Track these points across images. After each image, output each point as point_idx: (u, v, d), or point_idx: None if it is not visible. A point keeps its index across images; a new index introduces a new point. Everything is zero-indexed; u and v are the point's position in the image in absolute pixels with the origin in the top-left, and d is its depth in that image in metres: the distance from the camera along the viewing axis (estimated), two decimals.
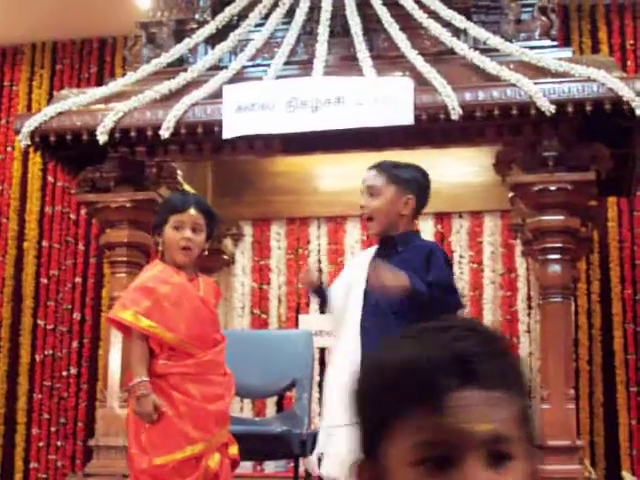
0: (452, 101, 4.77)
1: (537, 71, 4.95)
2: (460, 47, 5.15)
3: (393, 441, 1.04)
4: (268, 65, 5.37)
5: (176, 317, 3.53)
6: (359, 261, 3.66)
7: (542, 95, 4.73)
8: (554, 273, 5.00)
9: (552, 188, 4.92)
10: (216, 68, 5.42)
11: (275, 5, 5.58)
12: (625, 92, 4.67)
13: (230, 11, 5.63)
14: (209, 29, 5.58)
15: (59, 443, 7.28)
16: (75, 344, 7.37)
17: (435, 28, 5.25)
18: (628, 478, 6.10)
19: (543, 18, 5.36)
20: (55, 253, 7.57)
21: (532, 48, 5.15)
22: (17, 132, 5.35)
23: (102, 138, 5.11)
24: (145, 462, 3.47)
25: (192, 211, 3.64)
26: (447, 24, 5.29)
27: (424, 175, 3.55)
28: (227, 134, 5.05)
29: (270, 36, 5.53)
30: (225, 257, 6.78)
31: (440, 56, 5.24)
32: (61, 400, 7.34)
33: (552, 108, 4.70)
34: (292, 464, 5.10)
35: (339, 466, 3.37)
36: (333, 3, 5.43)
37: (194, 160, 5.79)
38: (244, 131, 5.04)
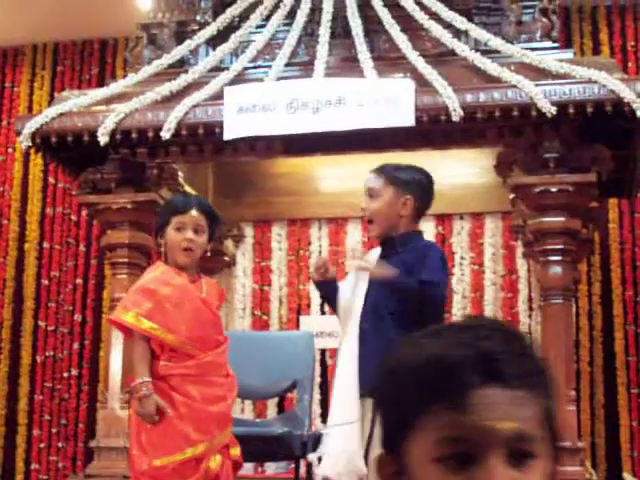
0: (453, 102, 4.77)
1: (538, 72, 4.95)
2: (461, 48, 5.15)
3: (416, 437, 1.05)
4: (269, 66, 5.37)
5: (177, 318, 3.53)
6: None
7: (543, 96, 4.73)
8: (555, 274, 5.00)
9: (553, 189, 4.92)
10: (217, 69, 5.42)
11: (276, 6, 5.58)
12: (626, 93, 4.66)
13: (231, 12, 5.64)
14: (210, 30, 5.58)
15: (60, 444, 7.28)
16: (76, 345, 7.37)
17: (436, 29, 5.25)
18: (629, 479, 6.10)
19: (544, 20, 5.37)
20: (56, 254, 7.57)
21: (533, 49, 5.15)
22: (18, 133, 5.35)
23: (103, 139, 5.11)
24: (145, 463, 3.47)
25: (194, 212, 3.65)
26: (448, 25, 5.29)
27: (426, 176, 3.56)
28: (228, 135, 5.05)
29: (271, 37, 5.53)
30: (226, 258, 6.78)
31: (441, 57, 5.24)
32: (62, 401, 7.34)
33: (553, 109, 4.70)
34: (293, 465, 5.10)
35: (334, 465, 3.38)
36: (334, 4, 5.43)
37: (195, 161, 5.79)
38: (245, 132, 5.04)
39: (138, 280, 3.83)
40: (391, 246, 3.48)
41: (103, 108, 5.31)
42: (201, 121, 5.11)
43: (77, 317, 7.41)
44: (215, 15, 5.68)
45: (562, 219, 4.97)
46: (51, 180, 7.69)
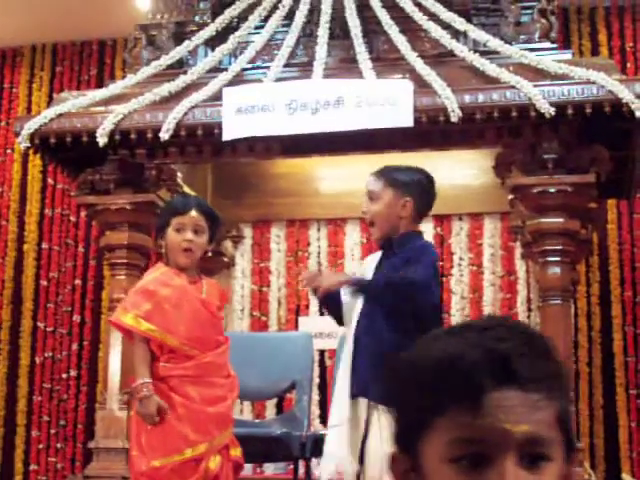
0: (452, 103, 4.77)
1: (537, 73, 4.95)
2: (460, 49, 5.15)
3: (430, 437, 1.06)
4: (268, 67, 5.37)
5: (176, 319, 3.54)
6: (367, 266, 3.66)
7: (542, 97, 4.73)
8: (554, 275, 5.00)
9: (552, 190, 4.92)
10: (216, 70, 5.42)
11: (275, 7, 5.58)
12: (625, 94, 4.67)
13: (230, 13, 5.64)
14: (209, 31, 5.58)
15: (59, 445, 7.28)
16: (75, 346, 7.37)
17: (435, 30, 5.25)
18: None
19: (543, 20, 5.37)
20: (55, 255, 7.57)
21: (532, 50, 5.15)
22: (17, 134, 5.35)
23: (102, 140, 5.11)
24: (144, 464, 3.48)
25: (193, 213, 3.66)
26: (447, 26, 5.29)
27: (426, 177, 3.56)
28: (227, 136, 5.05)
29: (270, 38, 5.53)
30: (225, 259, 6.78)
31: (440, 58, 5.24)
32: (61, 402, 7.34)
33: (552, 110, 4.70)
34: (292, 466, 5.10)
35: (329, 465, 3.39)
36: (333, 5, 5.43)
37: (194, 162, 5.79)
38: (244, 133, 5.04)
39: (139, 281, 3.84)
40: (390, 247, 3.48)
41: (102, 109, 5.31)
42: (200, 122, 5.11)
43: (76, 318, 7.41)
44: (214, 16, 5.68)
45: (561, 220, 4.97)
46: (50, 181, 7.68)
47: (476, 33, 5.24)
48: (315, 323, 6.68)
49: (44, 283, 7.54)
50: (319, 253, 6.99)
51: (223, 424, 3.57)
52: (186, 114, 5.11)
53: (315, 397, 6.49)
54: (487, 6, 5.48)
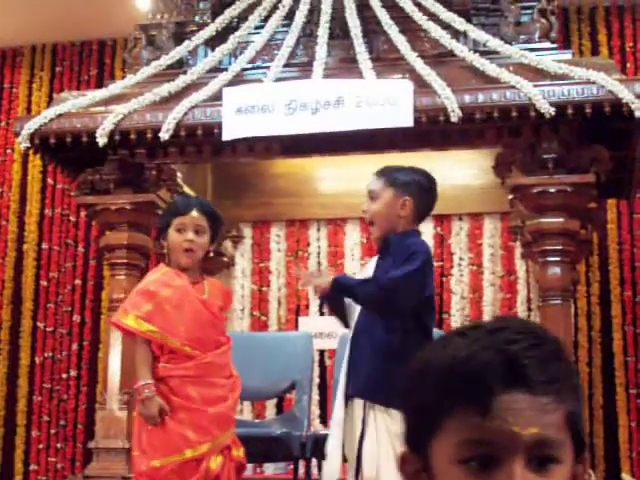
0: (452, 103, 4.77)
1: (537, 73, 4.95)
2: (460, 49, 5.15)
3: (440, 438, 1.06)
4: (268, 67, 5.37)
5: (176, 320, 3.54)
6: (369, 266, 3.67)
7: (542, 97, 4.73)
8: (554, 275, 5.00)
9: (552, 190, 4.92)
10: (216, 70, 5.42)
11: (275, 7, 5.58)
12: (625, 94, 4.67)
13: (230, 13, 5.64)
14: (209, 31, 5.58)
15: (59, 445, 7.28)
16: (75, 346, 7.37)
17: (435, 30, 5.25)
18: None
19: (543, 20, 5.37)
20: (55, 255, 7.57)
21: (532, 50, 5.15)
22: (17, 134, 5.35)
23: (102, 140, 5.11)
24: (144, 464, 3.48)
25: (194, 213, 3.66)
26: (447, 26, 5.29)
27: (427, 178, 3.56)
28: (227, 136, 5.05)
29: (270, 38, 5.53)
30: (225, 259, 6.78)
31: (440, 58, 5.24)
32: (61, 402, 7.34)
33: (552, 110, 4.70)
34: (292, 466, 5.10)
35: (327, 465, 3.40)
36: (333, 5, 5.43)
37: (194, 162, 5.79)
38: (244, 133, 5.04)
39: (138, 281, 3.85)
40: (386, 247, 3.48)
41: (102, 109, 5.31)
42: (200, 122, 5.11)
43: (76, 318, 7.41)
44: (214, 16, 5.68)
45: (561, 220, 4.97)
46: (50, 181, 7.68)
47: (476, 33, 5.24)
48: (315, 323, 6.68)
49: (44, 283, 7.54)
50: (319, 253, 6.99)
51: (224, 424, 3.57)
52: (186, 114, 5.11)
53: (315, 397, 6.49)
54: (487, 6, 5.48)
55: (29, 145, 5.30)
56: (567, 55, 5.42)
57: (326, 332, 6.51)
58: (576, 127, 4.95)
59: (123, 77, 5.89)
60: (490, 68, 4.96)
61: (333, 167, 6.42)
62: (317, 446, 3.73)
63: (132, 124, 5.17)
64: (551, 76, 4.91)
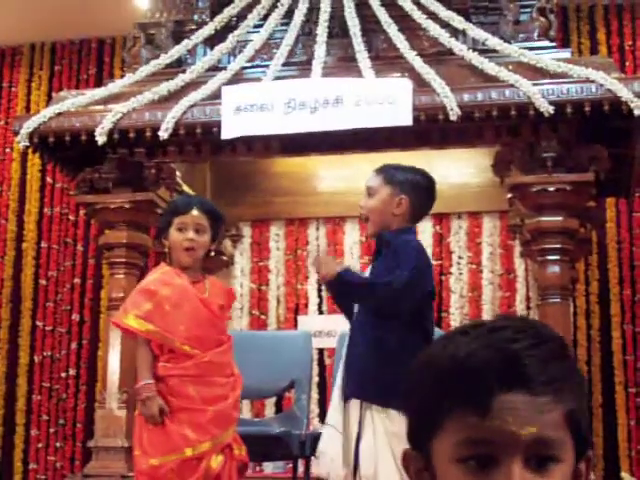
0: (451, 102, 4.77)
1: (536, 72, 4.95)
2: (459, 48, 5.15)
3: (440, 437, 1.07)
4: (267, 66, 5.37)
5: (176, 319, 3.54)
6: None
7: (541, 96, 4.73)
8: (553, 274, 5.00)
9: (551, 189, 4.92)
10: (215, 69, 5.43)
11: (274, 6, 5.58)
12: (624, 93, 4.67)
13: (229, 12, 5.64)
14: (208, 30, 5.58)
15: (58, 444, 7.28)
16: (74, 345, 7.37)
17: (434, 29, 5.25)
18: (627, 479, 6.10)
19: (542, 19, 5.37)
20: (54, 254, 7.57)
21: (531, 49, 5.15)
22: (16, 133, 5.35)
23: (101, 139, 5.11)
24: (144, 463, 3.49)
25: (195, 212, 3.67)
26: (446, 25, 5.29)
27: (425, 178, 3.55)
28: (226, 135, 5.05)
29: (269, 37, 5.53)
30: (224, 258, 6.77)
31: (439, 57, 5.24)
32: (60, 401, 7.34)
33: (551, 109, 4.70)
34: (291, 465, 5.11)
35: (322, 464, 3.41)
36: (332, 4, 5.43)
37: (193, 161, 5.79)
38: (243, 132, 5.04)
39: (137, 280, 3.85)
40: (380, 245, 3.49)
41: (101, 108, 5.31)
42: (199, 121, 5.11)
43: (75, 317, 7.41)
44: (212, 15, 5.68)
45: (560, 218, 4.97)
46: (49, 180, 7.68)
47: (475, 32, 5.24)
48: (314, 322, 6.69)
49: (43, 282, 7.54)
50: (318, 252, 6.99)
51: (224, 423, 3.57)
52: (185, 113, 5.11)
53: (314, 396, 6.50)
54: (486, 4, 5.48)
55: (28, 144, 5.29)
56: (566, 54, 5.42)
57: (325, 331, 6.52)
58: (575, 126, 4.95)
59: (122, 76, 5.88)
60: (489, 67, 4.96)
61: (332, 166, 6.43)
62: (316, 445, 3.73)
63: (131, 123, 5.17)
64: (550, 75, 4.91)
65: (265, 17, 5.58)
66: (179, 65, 5.58)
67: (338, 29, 5.42)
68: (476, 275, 6.76)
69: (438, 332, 3.69)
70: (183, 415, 3.50)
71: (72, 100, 5.35)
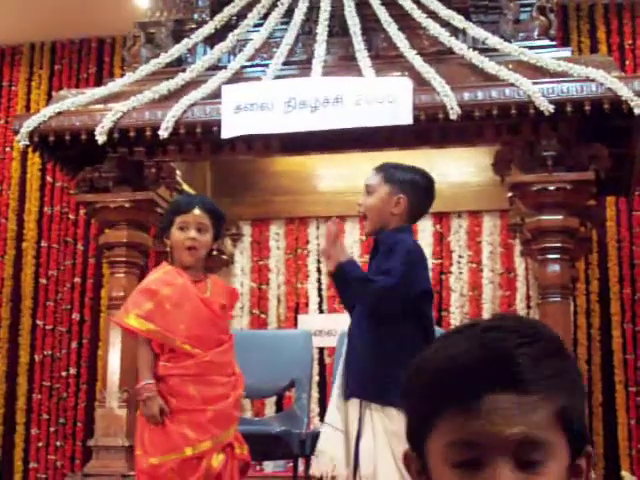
0: (451, 101, 4.77)
1: (536, 71, 4.95)
2: (459, 47, 5.15)
3: (433, 438, 1.07)
4: (267, 65, 5.37)
5: (176, 318, 3.55)
6: None
7: (541, 95, 4.73)
8: (553, 273, 5.00)
9: (551, 188, 4.92)
10: (215, 68, 5.43)
11: (274, 5, 5.58)
12: (624, 92, 4.67)
13: (229, 11, 5.63)
14: (208, 29, 5.58)
15: (58, 443, 7.28)
16: (74, 344, 7.37)
17: (434, 28, 5.25)
18: (627, 478, 6.10)
19: (542, 18, 5.36)
20: (54, 253, 7.57)
21: (531, 48, 5.15)
22: (16, 132, 5.35)
23: (101, 138, 5.11)
24: (145, 462, 3.49)
25: (196, 211, 3.67)
26: (446, 24, 5.29)
27: (424, 177, 3.55)
28: (226, 134, 5.05)
29: (269, 36, 5.53)
30: (224, 257, 6.78)
31: (439, 56, 5.24)
32: (60, 400, 7.34)
33: (551, 108, 4.70)
34: (291, 464, 5.11)
35: (321, 463, 3.41)
36: (332, 3, 5.43)
37: (193, 160, 5.79)
38: (243, 131, 5.04)
39: (138, 279, 3.86)
40: (377, 243, 3.50)
41: (101, 107, 5.31)
42: (199, 120, 5.11)
43: (75, 316, 7.41)
44: (212, 14, 5.68)
45: (560, 217, 4.97)
46: (49, 179, 7.68)
47: (475, 30, 5.24)
48: (314, 321, 6.69)
49: (43, 281, 7.54)
50: (318, 251, 6.99)
51: (225, 422, 3.57)
52: (185, 112, 5.11)
53: (314, 395, 6.50)
54: (486, 3, 5.47)
55: (28, 143, 5.30)
56: (566, 52, 5.42)
57: (326, 330, 6.52)
58: (575, 124, 4.95)
59: (122, 75, 5.88)
60: (489, 66, 4.96)
61: (332, 165, 6.42)
62: (316, 444, 3.72)
63: (131, 122, 5.17)
64: (550, 74, 4.91)
65: (265, 16, 5.58)
66: (179, 64, 5.58)
67: (338, 28, 5.42)
68: (476, 274, 6.76)
69: (438, 331, 3.69)
70: (183, 416, 3.50)
71: (72, 99, 5.35)
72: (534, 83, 4.79)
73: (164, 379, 3.54)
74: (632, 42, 7.13)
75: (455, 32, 5.28)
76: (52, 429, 7.31)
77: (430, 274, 6.34)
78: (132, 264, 5.44)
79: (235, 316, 6.88)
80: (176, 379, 3.53)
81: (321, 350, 6.72)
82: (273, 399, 6.60)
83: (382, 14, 5.33)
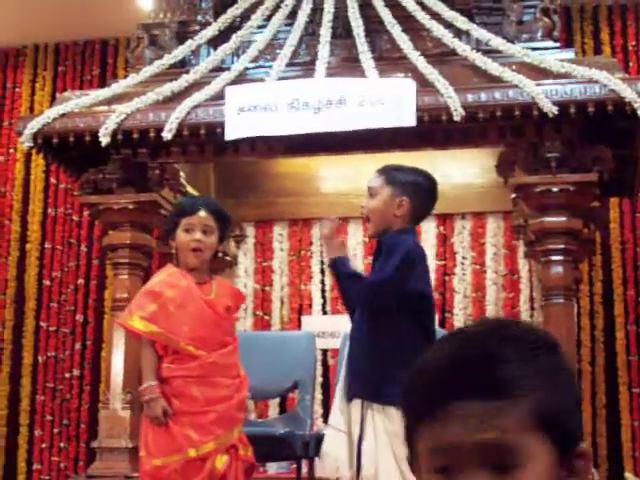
0: (454, 102, 4.77)
1: (539, 72, 4.95)
2: (462, 48, 5.15)
3: (418, 442, 1.08)
4: (270, 66, 5.37)
5: (180, 320, 3.55)
6: None
7: (544, 96, 4.73)
8: (556, 274, 4.99)
9: (554, 189, 4.92)
10: (218, 69, 5.43)
11: (277, 6, 5.58)
12: (627, 93, 4.66)
13: (232, 12, 5.64)
14: (211, 30, 5.59)
15: (62, 445, 7.28)
16: (78, 346, 7.37)
17: (437, 29, 5.25)
18: (631, 479, 6.09)
19: (545, 19, 5.36)
20: (58, 255, 7.58)
21: (534, 49, 5.15)
22: (20, 134, 5.35)
23: (105, 140, 5.11)
24: (148, 463, 3.50)
25: (202, 213, 3.67)
26: (449, 25, 5.29)
27: (427, 179, 3.55)
28: (229, 135, 5.05)
29: (272, 37, 5.53)
30: (228, 258, 6.78)
31: (442, 57, 5.24)
32: (64, 402, 7.34)
33: (554, 109, 4.70)
34: (295, 465, 5.11)
35: (326, 465, 3.42)
36: (335, 4, 5.43)
37: (196, 162, 5.79)
38: (246, 132, 5.04)
39: (141, 281, 3.87)
40: (379, 247, 3.50)
41: (104, 108, 5.31)
42: (202, 121, 5.11)
43: (79, 317, 7.42)
44: (216, 15, 5.68)
45: (563, 219, 4.96)
46: (53, 180, 7.69)
47: (478, 32, 5.24)
48: (318, 322, 6.69)
49: (47, 283, 7.54)
50: (322, 252, 6.98)
51: (228, 424, 3.57)
52: (189, 113, 5.11)
53: (318, 396, 6.49)
54: (489, 5, 5.48)
55: (32, 145, 5.30)
56: (570, 54, 5.41)
57: (329, 331, 6.52)
58: (579, 126, 4.94)
59: (126, 77, 5.88)
60: (493, 67, 4.96)
61: (336, 166, 6.43)
62: (320, 445, 3.73)
63: (135, 124, 5.17)
64: (554, 75, 4.91)
65: (269, 17, 5.58)
66: (183, 66, 5.58)
67: (342, 29, 5.43)
68: (480, 275, 6.76)
69: (440, 332, 3.69)
70: (186, 417, 3.51)
71: (76, 101, 5.36)
72: (537, 85, 4.79)
73: (168, 381, 3.54)
74: (636, 43, 7.13)
75: (458, 33, 5.28)
76: (56, 430, 7.31)
77: (433, 275, 6.43)
78: (135, 265, 5.44)
79: (238, 317, 6.88)
80: (180, 380, 3.54)
81: (324, 351, 6.71)
82: (276, 400, 6.60)
83: (385, 15, 5.33)
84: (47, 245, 7.60)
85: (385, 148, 5.19)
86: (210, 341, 3.59)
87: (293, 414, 5.08)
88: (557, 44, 5.39)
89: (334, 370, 6.30)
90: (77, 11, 7.27)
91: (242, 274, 7.02)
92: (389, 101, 4.86)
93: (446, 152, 5.70)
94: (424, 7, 5.34)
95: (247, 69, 5.45)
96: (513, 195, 5.31)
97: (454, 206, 6.45)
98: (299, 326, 6.85)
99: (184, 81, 5.34)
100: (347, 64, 5.34)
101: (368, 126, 4.88)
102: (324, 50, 5.26)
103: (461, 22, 5.27)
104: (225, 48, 5.50)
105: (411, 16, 5.32)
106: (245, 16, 5.63)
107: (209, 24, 5.65)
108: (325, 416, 6.49)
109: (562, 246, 4.97)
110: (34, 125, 5.23)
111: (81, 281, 7.48)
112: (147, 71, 5.50)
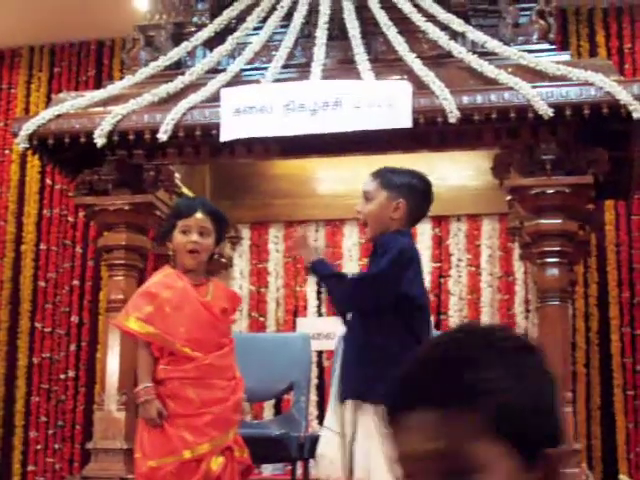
0: (450, 104, 4.78)
1: (535, 74, 4.95)
2: (458, 50, 5.15)
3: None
4: (266, 68, 5.37)
5: (176, 321, 3.55)
6: None
7: (540, 98, 4.73)
8: (552, 276, 5.00)
9: (550, 191, 4.92)
10: (214, 71, 5.42)
11: (273, 8, 5.58)
12: (623, 96, 4.67)
13: (228, 14, 5.64)
14: (207, 32, 5.58)
15: (57, 446, 7.27)
16: (73, 347, 7.36)
17: (433, 31, 5.25)
18: None
19: (541, 22, 5.37)
20: (53, 256, 7.57)
21: (530, 52, 5.16)
22: (15, 135, 5.35)
23: (100, 141, 5.11)
24: (143, 465, 3.50)
25: (198, 215, 3.68)
26: (445, 27, 5.29)
27: (422, 181, 3.56)
28: (225, 137, 5.05)
29: (268, 39, 5.53)
30: (223, 260, 6.77)
31: (438, 59, 5.24)
32: (59, 403, 7.33)
33: (550, 111, 4.70)
34: (290, 467, 5.10)
35: (321, 467, 3.42)
36: (331, 6, 5.43)
37: (192, 163, 5.79)
38: (242, 134, 5.04)
39: (137, 282, 3.87)
40: (376, 247, 3.50)
41: (100, 110, 5.31)
42: (198, 123, 5.11)
43: (74, 319, 7.40)
44: (212, 17, 5.68)
45: (559, 221, 4.97)
46: (48, 182, 7.68)
47: (474, 34, 5.24)
48: (313, 324, 6.68)
49: (42, 284, 7.53)
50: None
51: (224, 426, 3.57)
52: (184, 115, 5.11)
53: (313, 398, 6.49)
54: (485, 7, 5.48)
55: (27, 146, 5.29)
56: (565, 56, 5.42)
57: (324, 333, 6.52)
58: (574, 128, 4.95)
59: (121, 78, 5.88)
60: (488, 69, 4.97)
61: (331, 168, 6.43)
62: (315, 447, 3.73)
63: (130, 125, 5.17)
64: (549, 77, 4.91)
65: (264, 19, 5.58)
66: (178, 67, 5.58)
67: (337, 31, 5.43)
68: (475, 277, 6.76)
69: (435, 334, 3.70)
70: (181, 419, 3.51)
71: (71, 102, 5.35)
72: (533, 87, 4.79)
73: (164, 382, 3.54)
74: (631, 46, 7.14)
75: (454, 36, 5.28)
76: (50, 432, 7.30)
77: (429, 277, 6.44)
78: (131, 267, 5.44)
79: (235, 320, 6.88)
80: (176, 382, 3.54)
81: (320, 353, 6.72)
82: (272, 402, 6.60)
83: (381, 17, 5.33)
84: (42, 246, 7.59)
85: (381, 150, 5.19)
86: (206, 343, 3.59)
87: (288, 416, 5.08)
88: (553, 46, 5.39)
89: (329, 372, 6.30)
90: (73, 12, 7.26)
91: (237, 276, 7.02)
92: (385, 103, 4.86)
93: (442, 154, 5.71)
94: (420, 9, 5.34)
95: (243, 71, 5.45)
96: (508, 197, 5.32)
97: (449, 208, 6.45)
98: (294, 328, 6.85)
99: (180, 82, 5.34)
100: (343, 66, 5.34)
101: (364, 128, 4.89)
102: (320, 52, 5.26)
103: (457, 24, 5.27)
104: (221, 50, 5.50)
105: (407, 18, 5.32)
106: (241, 18, 5.63)
107: (205, 26, 5.64)
108: (320, 418, 6.49)
109: (557, 248, 4.98)
110: (29, 126, 5.22)
111: (76, 282, 7.47)
112: (143, 72, 5.49)
